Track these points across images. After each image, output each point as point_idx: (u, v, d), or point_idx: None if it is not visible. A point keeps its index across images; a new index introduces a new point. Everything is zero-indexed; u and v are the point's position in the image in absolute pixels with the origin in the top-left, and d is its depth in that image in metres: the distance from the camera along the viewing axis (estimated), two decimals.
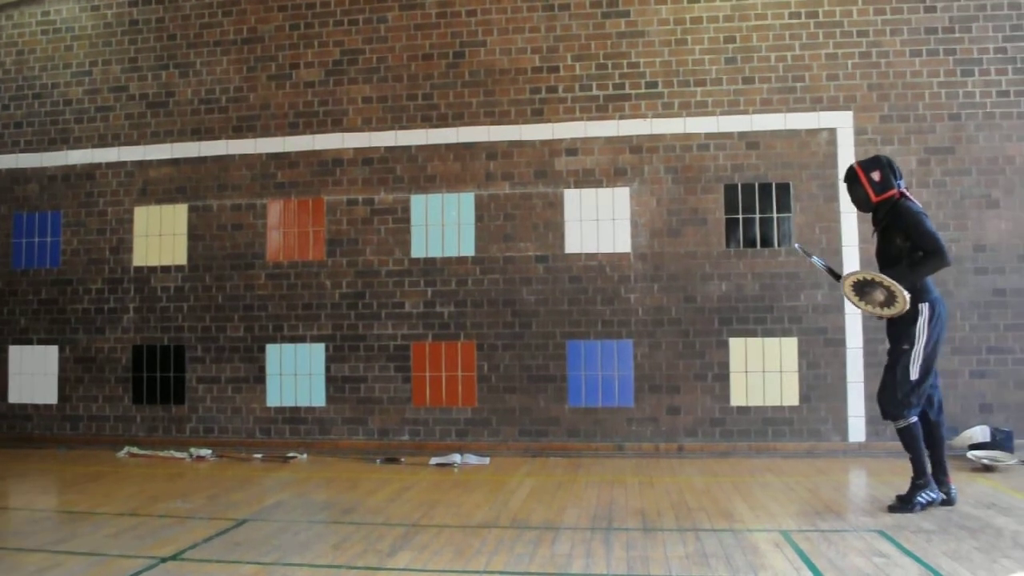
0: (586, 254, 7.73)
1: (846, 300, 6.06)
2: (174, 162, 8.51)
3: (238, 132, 8.39)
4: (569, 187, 7.80)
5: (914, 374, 4.92)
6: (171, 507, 5.24)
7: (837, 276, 5.36)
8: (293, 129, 8.29)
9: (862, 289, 5.03)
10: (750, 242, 7.53)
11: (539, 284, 7.78)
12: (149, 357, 8.40)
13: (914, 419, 4.97)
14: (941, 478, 5.06)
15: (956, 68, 7.42)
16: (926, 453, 4.99)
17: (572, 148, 7.82)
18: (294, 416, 8.10)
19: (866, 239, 7.36)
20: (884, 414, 5.07)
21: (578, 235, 7.76)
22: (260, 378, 8.18)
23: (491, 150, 7.95)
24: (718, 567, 3.84)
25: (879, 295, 4.95)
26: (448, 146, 8.02)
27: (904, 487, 5.09)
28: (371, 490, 5.85)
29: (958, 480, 5.36)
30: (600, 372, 7.64)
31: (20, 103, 8.92)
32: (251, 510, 5.20)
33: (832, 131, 7.50)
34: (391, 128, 8.12)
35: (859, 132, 7.46)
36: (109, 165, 8.65)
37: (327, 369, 8.06)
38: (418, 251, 7.96)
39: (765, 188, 7.54)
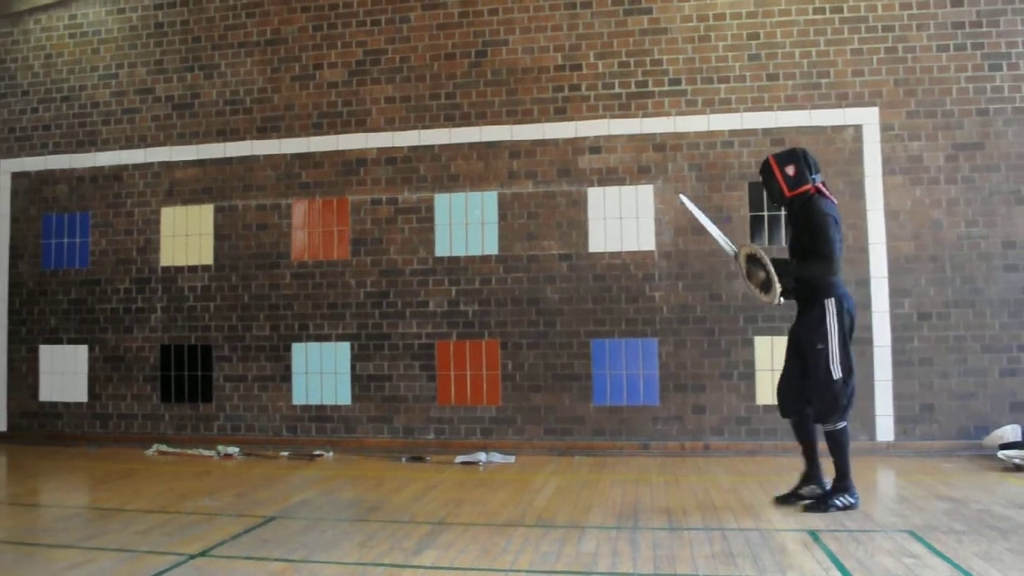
0: (610, 252, 7.72)
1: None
2: (200, 163, 8.58)
3: (263, 133, 8.45)
4: (593, 185, 7.79)
5: (836, 373, 4.87)
6: (199, 504, 5.29)
7: (730, 248, 5.23)
8: (317, 129, 8.34)
9: (751, 264, 4.99)
10: (776, 240, 7.48)
11: (563, 282, 7.77)
12: (177, 356, 8.49)
13: (845, 424, 4.92)
14: (817, 474, 5.12)
15: (984, 63, 7.33)
16: (849, 458, 4.98)
17: (595, 146, 7.81)
18: (320, 414, 8.15)
19: (895, 237, 7.31)
20: (817, 417, 4.99)
21: (602, 233, 7.74)
22: (286, 377, 8.24)
23: (514, 149, 7.95)
24: (745, 566, 3.82)
25: (761, 275, 4.92)
26: (471, 145, 8.03)
27: (933, 486, 5.04)
28: (396, 488, 5.88)
29: (989, 480, 5.31)
30: (625, 371, 7.62)
31: (48, 106, 9.04)
32: (278, 507, 5.24)
33: (858, 127, 7.44)
34: (414, 128, 8.14)
35: (885, 128, 7.39)
36: (136, 166, 8.74)
37: (352, 368, 8.10)
38: (442, 250, 7.98)
39: None
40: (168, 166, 8.66)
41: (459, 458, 7.05)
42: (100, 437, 8.51)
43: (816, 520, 4.75)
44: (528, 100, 7.96)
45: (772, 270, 4.82)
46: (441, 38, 8.16)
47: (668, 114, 7.71)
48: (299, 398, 8.20)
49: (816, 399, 4.93)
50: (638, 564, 3.90)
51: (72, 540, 4.41)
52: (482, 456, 7.05)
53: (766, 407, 7.38)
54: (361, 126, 8.25)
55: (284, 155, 8.38)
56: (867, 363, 7.26)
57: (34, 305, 8.90)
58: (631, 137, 7.76)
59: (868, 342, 7.27)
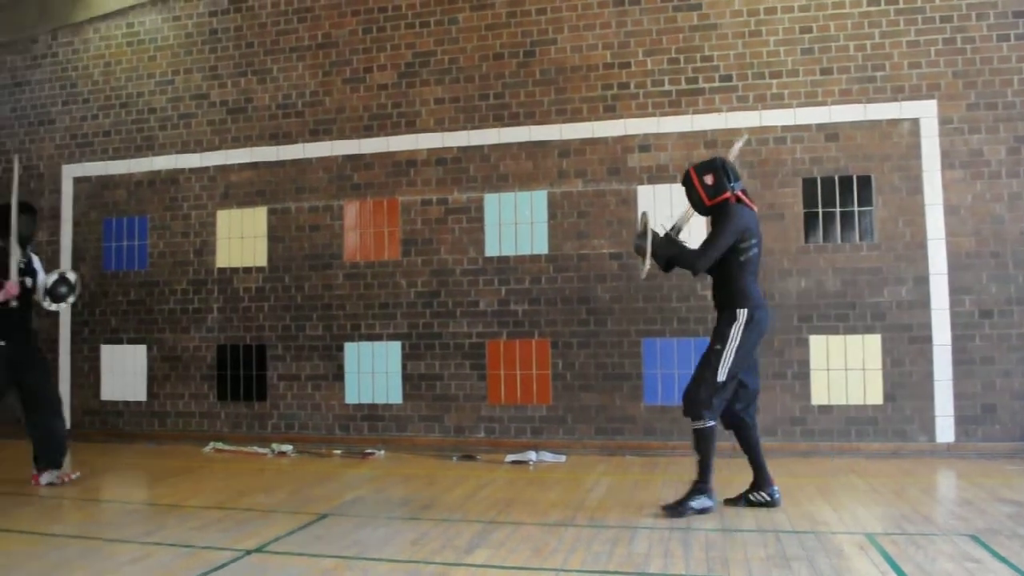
0: None
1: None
2: (254, 166, 8.72)
3: (315, 135, 8.56)
4: (643, 183, 7.74)
5: (720, 375, 4.85)
6: (255, 501, 5.37)
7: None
8: (368, 131, 8.42)
9: (645, 233, 5.05)
10: (830, 237, 7.36)
11: (613, 281, 7.73)
12: (232, 355, 8.64)
13: (712, 423, 4.87)
14: (763, 480, 5.10)
15: None
16: (712, 461, 4.93)
17: (645, 144, 7.75)
18: (372, 413, 8.23)
19: (954, 232, 7.13)
20: (685, 410, 4.97)
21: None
22: (339, 376, 8.34)
23: (563, 148, 7.93)
24: (800, 570, 3.76)
25: (644, 244, 5.02)
26: (520, 145, 8.03)
27: (995, 489, 4.91)
28: (448, 487, 5.91)
29: None
30: (676, 370, 7.55)
31: (108, 112, 9.27)
32: (331, 505, 5.30)
33: (915, 121, 7.27)
34: (463, 128, 8.18)
35: (944, 121, 7.21)
36: (192, 170, 8.92)
37: (404, 367, 8.16)
38: (492, 250, 8.00)
39: (845, 181, 7.35)
40: (223, 170, 8.82)
41: (509, 457, 7.05)
42: (159, 435, 8.71)
43: (874, 523, 4.66)
44: (577, 99, 7.93)
45: (646, 248, 4.94)
46: (489, 38, 8.18)
47: (719, 111, 7.63)
48: (351, 397, 8.29)
49: (692, 387, 4.92)
50: (691, 566, 3.86)
51: (133, 535, 4.51)
52: (532, 455, 7.05)
53: (821, 407, 7.26)
54: (411, 127, 8.31)
55: (335, 157, 8.48)
56: (927, 362, 7.10)
57: (96, 306, 9.14)
58: (681, 134, 7.69)
59: (927, 340, 7.11)
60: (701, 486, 4.89)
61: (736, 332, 4.86)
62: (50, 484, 5.91)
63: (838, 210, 7.35)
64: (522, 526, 4.65)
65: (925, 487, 5.74)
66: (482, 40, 8.19)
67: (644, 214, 5.13)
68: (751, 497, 5.13)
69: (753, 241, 4.94)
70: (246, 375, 8.58)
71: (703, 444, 4.89)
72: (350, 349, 8.32)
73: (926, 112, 7.23)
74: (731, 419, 5.17)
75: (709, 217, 5.17)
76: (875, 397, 7.18)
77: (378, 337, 8.25)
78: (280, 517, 4.95)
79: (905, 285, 7.19)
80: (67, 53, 9.48)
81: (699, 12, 7.70)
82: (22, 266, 5.92)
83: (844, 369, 7.25)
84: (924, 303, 7.13)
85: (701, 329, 7.50)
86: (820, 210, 7.39)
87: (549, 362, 7.80)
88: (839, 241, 7.33)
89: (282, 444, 7.87)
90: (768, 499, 5.08)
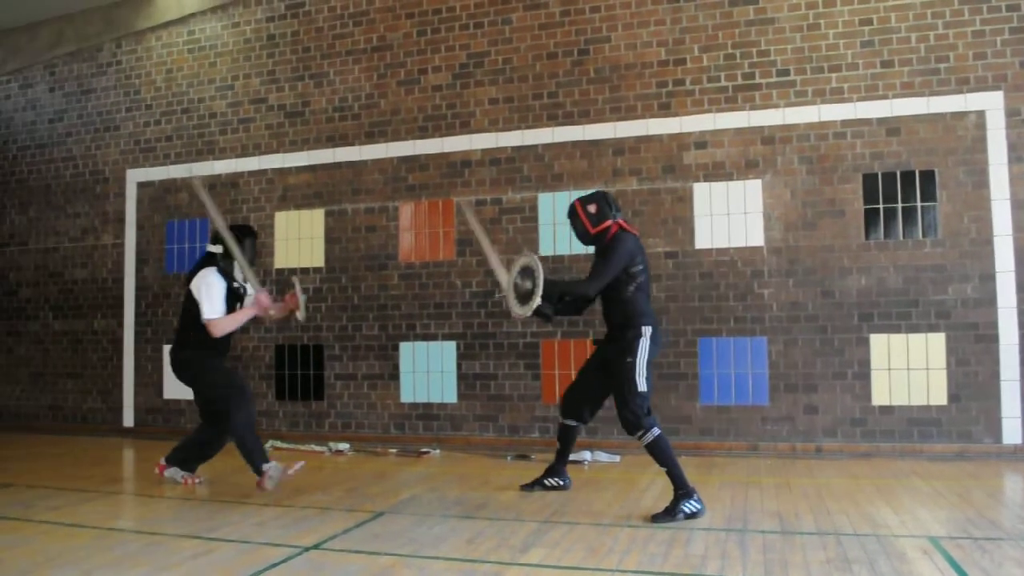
0: (717, 249, 7.57)
1: None
2: (311, 169, 8.85)
3: (370, 138, 8.65)
4: (699, 181, 7.66)
5: (641, 385, 5.01)
6: (312, 499, 5.43)
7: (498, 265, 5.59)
8: (423, 133, 8.48)
9: (522, 273, 5.15)
10: (892, 233, 7.19)
11: (669, 280, 7.67)
12: (290, 355, 8.77)
13: (657, 431, 4.94)
14: (562, 469, 5.65)
15: None
16: (678, 463, 4.95)
17: (701, 141, 7.67)
18: (427, 412, 8.28)
19: (1021, 227, 6.92)
20: (628, 430, 5.04)
21: (708, 230, 7.60)
22: (394, 375, 8.41)
23: (618, 146, 7.89)
24: (861, 573, 3.67)
25: (527, 286, 5.08)
26: (575, 144, 8.01)
27: None
28: (502, 486, 5.91)
29: None
30: (733, 370, 7.46)
31: (170, 118, 9.49)
32: (387, 503, 5.34)
33: (980, 113, 7.06)
34: (518, 128, 8.18)
35: (1011, 114, 6.99)
36: (251, 173, 9.08)
37: (458, 367, 8.20)
38: (546, 249, 7.99)
39: (907, 176, 7.18)
40: (281, 172, 8.96)
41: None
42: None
43: (938, 527, 4.53)
44: (631, 96, 7.88)
45: (539, 284, 4.98)
46: (543, 38, 8.17)
47: (776, 106, 7.51)
48: (407, 396, 8.35)
49: (623, 411, 5.04)
50: (748, 568, 3.80)
51: (195, 530, 4.60)
52: (587, 455, 7.01)
53: (882, 408, 7.10)
54: (465, 128, 8.35)
55: (391, 159, 8.56)
56: (993, 362, 6.90)
57: (158, 307, 9.36)
58: (738, 131, 7.59)
59: (993, 339, 6.91)
60: (684, 491, 4.85)
61: (644, 346, 5.06)
62: (171, 480, 6.06)
63: (900, 206, 7.18)
64: (577, 526, 4.63)
65: (991, 490, 5.57)
66: (536, 40, 8.19)
67: (531, 255, 5.24)
68: (547, 482, 5.65)
69: (641, 266, 5.16)
70: (303, 375, 8.71)
71: (661, 452, 4.96)
72: (405, 349, 8.39)
73: (992, 104, 7.03)
74: (575, 414, 5.51)
75: (593, 247, 5.37)
76: (939, 398, 7.00)
77: (433, 337, 8.30)
78: (337, 515, 5.00)
79: (970, 282, 7.00)
80: (130, 61, 9.73)
81: (755, 6, 7.60)
82: (239, 287, 5.90)
83: (906, 369, 7.08)
84: (990, 301, 6.93)
85: (758, 328, 7.40)
86: (881, 206, 7.23)
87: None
88: (901, 237, 7.16)
89: (339, 443, 7.96)
90: (562, 483, 5.66)
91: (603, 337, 5.37)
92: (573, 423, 5.56)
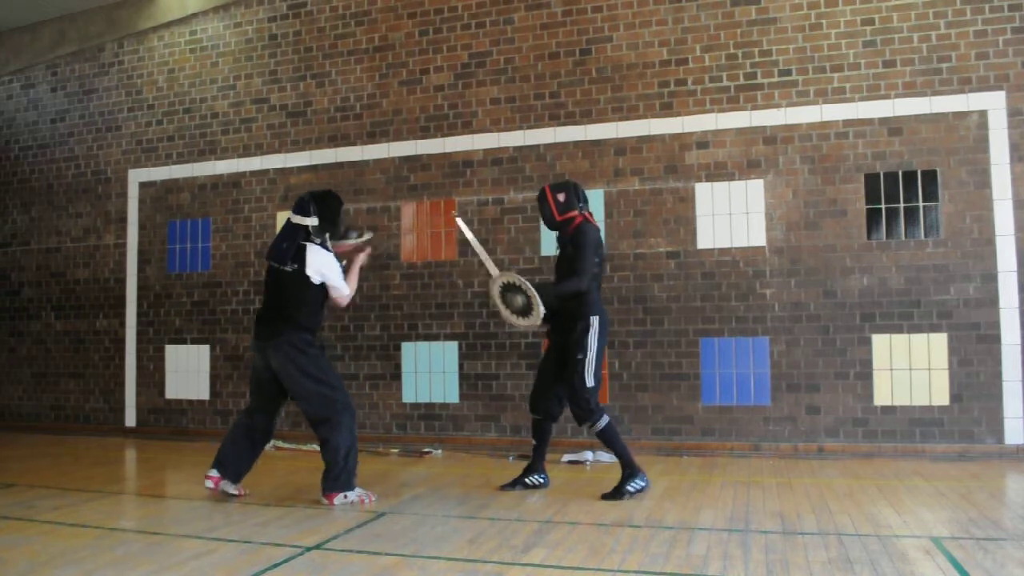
0: (719, 249, 7.57)
1: None
2: (313, 168, 8.85)
3: (372, 138, 8.65)
4: (700, 181, 7.66)
5: (589, 381, 5.32)
6: (314, 498, 5.43)
7: (492, 272, 5.60)
8: (424, 133, 8.48)
9: (507, 292, 5.36)
10: (894, 233, 7.19)
11: (671, 280, 7.66)
12: None
13: (606, 419, 5.32)
14: (540, 465, 5.73)
15: None
16: (626, 445, 5.39)
17: (703, 141, 7.67)
18: (429, 412, 8.28)
19: (1023, 227, 6.91)
20: (579, 421, 5.42)
21: (710, 230, 7.60)
22: (396, 375, 8.41)
23: (620, 146, 7.89)
24: (863, 573, 3.67)
25: (519, 301, 5.31)
26: (576, 143, 8.01)
27: None
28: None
29: None
30: (735, 370, 7.46)
31: (172, 118, 9.49)
32: (389, 503, 5.34)
33: (983, 113, 7.06)
34: (519, 128, 8.18)
35: (1013, 113, 6.99)
36: (253, 173, 9.09)
37: (460, 367, 8.20)
38: (548, 249, 7.98)
39: (909, 176, 7.18)
40: (283, 172, 8.97)
41: (566, 457, 7.03)
42: (221, 433, 8.82)
43: (940, 527, 4.53)
44: (633, 96, 7.88)
45: (534, 294, 5.21)
46: (545, 38, 8.17)
47: (778, 106, 7.51)
48: (408, 396, 8.35)
49: (573, 405, 5.39)
50: (750, 568, 3.79)
51: (197, 531, 4.60)
52: (589, 455, 7.02)
53: (884, 408, 7.10)
54: (467, 128, 8.35)
55: (392, 159, 8.56)
56: (994, 362, 6.90)
57: (160, 307, 9.37)
58: (740, 131, 7.59)
59: (996, 340, 6.90)
60: (630, 471, 5.31)
61: (592, 338, 5.34)
62: (224, 492, 5.45)
63: (902, 206, 7.17)
64: (578, 526, 4.63)
65: (993, 490, 5.57)
66: (537, 39, 8.19)
67: (505, 272, 5.42)
68: (528, 480, 5.71)
69: (598, 259, 5.42)
70: None
71: (611, 439, 5.35)
72: (407, 349, 8.39)
73: (994, 104, 7.02)
74: (545, 409, 5.65)
75: (556, 233, 5.59)
76: (941, 398, 7.00)
77: (435, 337, 8.30)
78: (339, 515, 5.00)
79: (972, 283, 6.99)
80: (132, 60, 9.74)
81: (757, 6, 7.59)
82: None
83: (908, 369, 7.08)
84: (992, 301, 6.93)
85: (760, 328, 7.40)
86: (883, 206, 7.22)
87: (605, 362, 7.75)
88: (903, 237, 7.16)
89: None
90: (543, 481, 5.73)
91: (554, 326, 5.55)
92: (541, 417, 5.69)
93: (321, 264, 5.35)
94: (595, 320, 5.35)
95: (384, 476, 6.48)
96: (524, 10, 8.24)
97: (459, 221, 6.03)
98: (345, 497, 5.24)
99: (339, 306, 5.64)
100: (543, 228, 8.00)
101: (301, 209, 5.40)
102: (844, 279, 7.27)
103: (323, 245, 5.40)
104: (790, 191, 7.44)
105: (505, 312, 5.45)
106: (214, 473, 5.40)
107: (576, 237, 5.41)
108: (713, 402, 7.50)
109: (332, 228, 5.44)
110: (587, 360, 5.32)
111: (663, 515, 4.88)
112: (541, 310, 5.22)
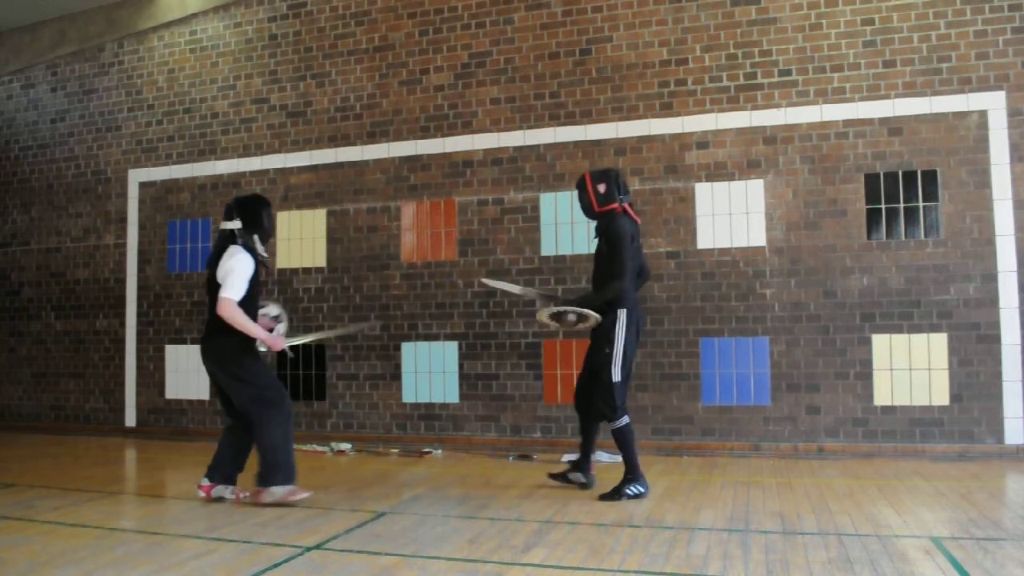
0: (719, 249, 7.57)
1: None
2: (313, 168, 8.85)
3: (372, 138, 8.65)
4: (700, 181, 7.66)
5: (615, 376, 5.29)
6: (314, 499, 5.43)
7: (549, 298, 5.89)
8: (424, 133, 8.48)
9: (556, 316, 5.43)
10: (894, 233, 7.19)
11: (671, 280, 7.66)
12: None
13: (626, 420, 5.28)
14: (586, 465, 5.65)
15: None
16: (636, 453, 5.38)
17: (703, 141, 7.67)
18: (429, 412, 8.28)
19: (1023, 227, 6.91)
20: (600, 417, 5.43)
21: (710, 230, 7.60)
22: (396, 375, 8.41)
23: (620, 146, 7.89)
24: (863, 573, 3.67)
25: (572, 318, 5.37)
26: (576, 144, 8.01)
27: None
28: (504, 486, 5.91)
29: None
30: (735, 370, 7.46)
31: (172, 118, 9.49)
32: (389, 503, 5.34)
33: (983, 113, 7.06)
34: (519, 128, 8.18)
35: (1013, 113, 6.99)
36: (253, 173, 9.09)
37: (460, 367, 8.20)
38: (548, 249, 7.99)
39: (909, 176, 7.18)
40: (283, 172, 8.97)
41: (566, 457, 7.01)
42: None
43: (940, 527, 4.53)
44: (633, 96, 7.88)
45: (581, 310, 5.30)
46: (545, 38, 8.17)
47: (778, 106, 7.51)
48: (409, 396, 8.35)
49: (598, 399, 5.39)
50: (750, 568, 3.79)
51: (197, 531, 4.60)
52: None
53: (884, 408, 7.10)
54: (467, 128, 8.35)
55: (392, 159, 8.56)
56: (995, 362, 6.90)
57: (160, 307, 9.37)
58: (740, 131, 7.59)
59: (996, 340, 6.90)
60: (632, 475, 5.30)
61: (620, 332, 5.29)
62: (219, 497, 5.42)
63: (902, 206, 7.17)
64: (578, 526, 4.63)
65: (993, 491, 5.57)
66: (537, 39, 8.19)
67: (545, 309, 5.52)
68: (570, 476, 5.72)
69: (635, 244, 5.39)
70: (305, 374, 8.71)
71: (625, 441, 5.31)
72: (407, 349, 8.39)
73: (994, 104, 7.02)
74: (581, 410, 5.64)
75: (595, 223, 5.56)
76: (941, 398, 7.00)
77: (435, 337, 8.30)
78: (339, 515, 5.00)
79: (972, 283, 6.99)
80: (132, 61, 9.74)
81: (757, 6, 7.59)
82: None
83: (908, 369, 7.08)
84: (992, 301, 6.93)
85: (760, 328, 7.40)
86: (883, 206, 7.22)
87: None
88: (903, 237, 7.16)
89: (340, 443, 7.97)
90: (584, 481, 5.65)
91: None
92: (584, 417, 5.66)
93: (229, 265, 5.16)
94: (622, 313, 5.30)
95: (384, 476, 6.48)
96: (524, 10, 8.24)
97: (488, 282, 6.31)
98: (272, 494, 5.19)
99: (219, 310, 5.13)
100: (543, 228, 8.03)
101: (227, 215, 5.37)
102: (844, 279, 7.27)
103: (247, 247, 5.27)
104: (790, 191, 7.44)
105: (566, 327, 5.55)
106: (205, 482, 5.45)
107: (609, 233, 5.35)
108: (713, 402, 7.50)
109: (257, 229, 5.35)
110: (614, 352, 5.28)
111: (663, 515, 4.89)
112: (594, 316, 5.28)
